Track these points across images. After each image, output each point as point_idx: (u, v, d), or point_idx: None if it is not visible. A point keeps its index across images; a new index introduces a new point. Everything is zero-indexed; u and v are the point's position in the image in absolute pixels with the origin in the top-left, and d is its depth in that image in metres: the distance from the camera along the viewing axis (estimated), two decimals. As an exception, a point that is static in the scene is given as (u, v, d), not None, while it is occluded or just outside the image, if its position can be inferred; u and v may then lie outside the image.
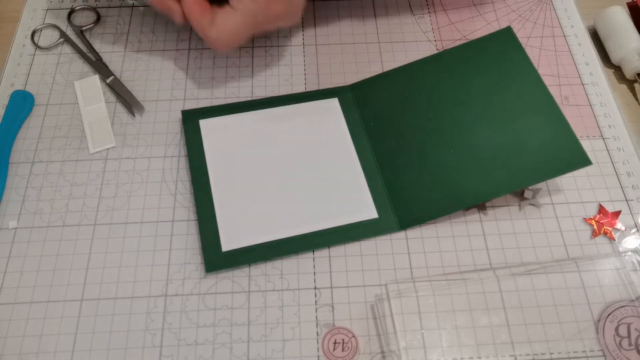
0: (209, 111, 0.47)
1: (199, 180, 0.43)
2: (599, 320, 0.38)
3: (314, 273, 0.40)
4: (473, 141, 0.44)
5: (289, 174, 0.44)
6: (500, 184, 0.42)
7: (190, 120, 0.47)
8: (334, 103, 0.48)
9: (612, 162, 0.46)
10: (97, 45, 0.52)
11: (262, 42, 0.52)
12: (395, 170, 0.44)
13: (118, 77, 0.50)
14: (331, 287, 0.40)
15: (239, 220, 0.42)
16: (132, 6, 0.54)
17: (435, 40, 0.52)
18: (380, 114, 0.47)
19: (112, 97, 0.49)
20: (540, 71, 0.50)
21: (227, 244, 0.41)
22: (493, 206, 0.43)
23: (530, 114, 0.44)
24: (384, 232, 0.42)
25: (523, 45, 0.46)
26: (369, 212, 0.42)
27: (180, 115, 0.47)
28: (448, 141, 0.44)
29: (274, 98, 0.48)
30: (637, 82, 0.50)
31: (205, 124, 0.46)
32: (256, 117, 0.47)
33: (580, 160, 0.41)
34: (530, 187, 0.44)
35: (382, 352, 0.37)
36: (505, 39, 0.47)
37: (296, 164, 0.44)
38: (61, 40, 0.52)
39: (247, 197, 0.43)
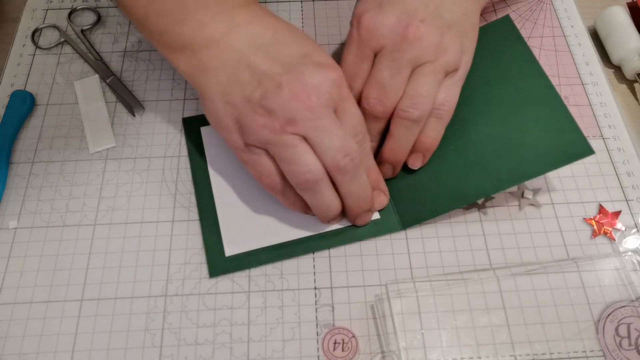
0: None
1: (201, 188, 0.43)
2: (599, 321, 0.38)
3: (314, 273, 0.40)
4: (473, 137, 0.43)
5: None
6: (502, 178, 0.41)
7: (192, 127, 0.47)
8: None
9: (612, 162, 0.46)
10: (97, 45, 0.52)
11: (262, 42, 0.52)
12: None
13: (118, 77, 0.50)
14: (331, 287, 0.40)
15: (242, 225, 0.42)
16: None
17: (435, 40, 0.52)
18: None
19: (112, 97, 0.49)
20: (540, 71, 0.50)
21: (230, 249, 0.41)
22: (493, 206, 0.43)
23: (531, 105, 0.42)
24: (385, 232, 0.42)
25: None
26: None
27: (180, 117, 0.47)
28: (447, 138, 0.43)
29: None
30: (637, 82, 0.50)
31: (206, 131, 0.46)
32: None
33: (582, 150, 0.39)
34: (530, 187, 0.44)
35: (382, 352, 0.37)
36: (504, 29, 0.46)
37: None
38: (61, 40, 0.52)
39: (248, 202, 0.43)
